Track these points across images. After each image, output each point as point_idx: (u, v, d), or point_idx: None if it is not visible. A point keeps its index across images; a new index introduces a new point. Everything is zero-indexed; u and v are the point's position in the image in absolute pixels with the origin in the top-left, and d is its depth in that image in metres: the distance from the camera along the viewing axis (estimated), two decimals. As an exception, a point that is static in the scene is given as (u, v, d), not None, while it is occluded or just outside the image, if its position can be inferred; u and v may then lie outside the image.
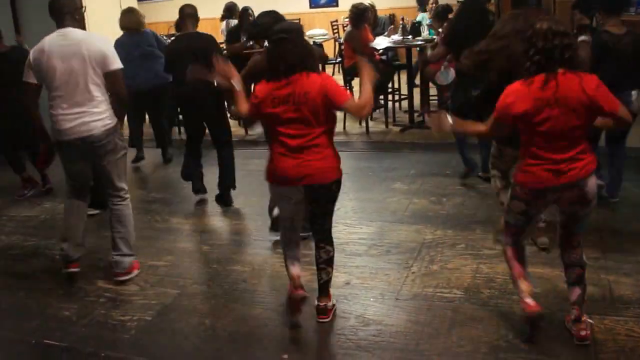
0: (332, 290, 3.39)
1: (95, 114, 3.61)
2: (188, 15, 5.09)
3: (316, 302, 3.33)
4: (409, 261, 3.93)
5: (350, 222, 4.62)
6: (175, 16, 7.51)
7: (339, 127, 7.33)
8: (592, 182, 2.82)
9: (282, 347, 3.14)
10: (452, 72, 5.23)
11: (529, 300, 2.95)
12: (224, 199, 5.16)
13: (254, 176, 5.66)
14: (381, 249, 4.15)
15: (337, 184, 3.19)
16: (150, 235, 4.66)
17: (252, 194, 5.28)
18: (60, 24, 3.59)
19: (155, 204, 5.42)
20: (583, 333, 2.95)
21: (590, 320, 3.02)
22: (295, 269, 3.28)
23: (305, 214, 3.31)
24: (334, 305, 3.40)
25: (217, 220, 5.02)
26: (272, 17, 3.96)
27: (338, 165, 3.18)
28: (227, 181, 5.15)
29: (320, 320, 3.31)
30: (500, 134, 3.08)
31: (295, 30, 3.12)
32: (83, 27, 3.71)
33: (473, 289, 3.52)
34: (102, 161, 3.74)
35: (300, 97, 2.99)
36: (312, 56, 3.12)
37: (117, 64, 3.64)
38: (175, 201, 5.52)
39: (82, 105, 3.57)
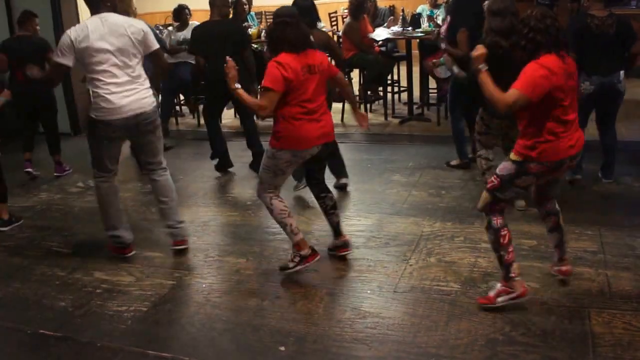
0: (328, 283, 3.45)
1: (144, 91, 3.84)
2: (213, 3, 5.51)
3: (336, 242, 3.86)
4: (407, 253, 3.91)
5: (349, 214, 4.60)
6: (171, 7, 7.55)
7: (336, 119, 7.31)
8: None
9: (279, 339, 3.12)
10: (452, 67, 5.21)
11: (522, 283, 3.15)
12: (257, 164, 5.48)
13: (249, 168, 5.65)
14: (379, 241, 4.13)
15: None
16: (145, 227, 4.65)
17: (249, 185, 5.26)
18: (97, 10, 3.78)
19: (150, 195, 5.36)
20: (565, 268, 3.33)
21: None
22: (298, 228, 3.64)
23: None
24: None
25: (212, 211, 5.00)
26: (309, 2, 4.63)
27: None
28: (256, 147, 5.54)
29: (344, 253, 3.84)
30: (517, 109, 2.95)
31: (296, 14, 3.54)
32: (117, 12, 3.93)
33: (470, 282, 3.51)
34: (151, 137, 3.92)
35: (319, 66, 3.47)
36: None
37: (157, 44, 3.94)
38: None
39: (134, 84, 3.79)
